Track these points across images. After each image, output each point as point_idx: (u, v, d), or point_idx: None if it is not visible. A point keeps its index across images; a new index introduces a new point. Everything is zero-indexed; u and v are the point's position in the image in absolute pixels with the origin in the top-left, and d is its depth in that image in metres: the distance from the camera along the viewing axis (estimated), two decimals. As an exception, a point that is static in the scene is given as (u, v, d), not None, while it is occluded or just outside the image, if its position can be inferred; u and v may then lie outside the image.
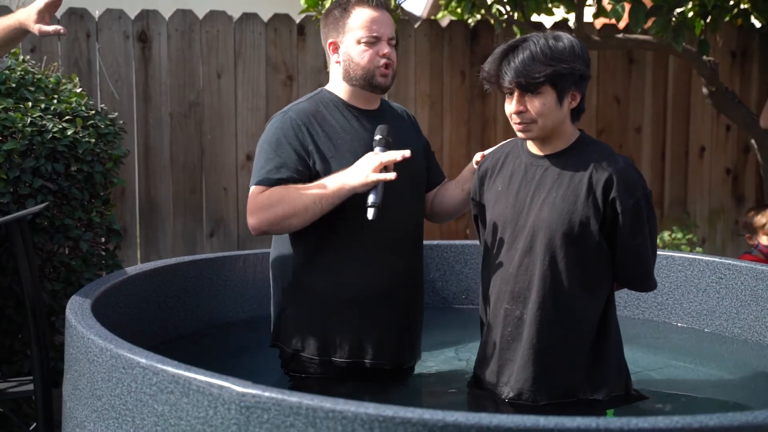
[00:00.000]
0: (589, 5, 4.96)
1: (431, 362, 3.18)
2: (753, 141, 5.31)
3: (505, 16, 4.93)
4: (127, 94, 4.78)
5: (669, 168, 5.83)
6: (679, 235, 5.14)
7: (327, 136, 2.72)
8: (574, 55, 2.42)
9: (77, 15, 4.67)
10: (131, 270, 3.11)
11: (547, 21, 5.54)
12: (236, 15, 5.00)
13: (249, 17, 4.99)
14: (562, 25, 5.39)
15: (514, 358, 2.51)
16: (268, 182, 2.66)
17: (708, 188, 5.92)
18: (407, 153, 2.54)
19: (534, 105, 2.42)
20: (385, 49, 2.71)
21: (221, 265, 3.43)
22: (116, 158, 3.74)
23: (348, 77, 2.76)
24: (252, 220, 2.66)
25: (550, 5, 5.20)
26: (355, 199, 2.59)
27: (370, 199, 2.54)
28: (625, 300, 3.49)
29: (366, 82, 2.73)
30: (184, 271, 3.28)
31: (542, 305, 2.45)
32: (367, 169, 2.54)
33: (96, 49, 4.70)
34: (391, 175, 2.51)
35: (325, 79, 5.07)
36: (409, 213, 2.81)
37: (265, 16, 5.06)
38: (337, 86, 2.81)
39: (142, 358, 2.07)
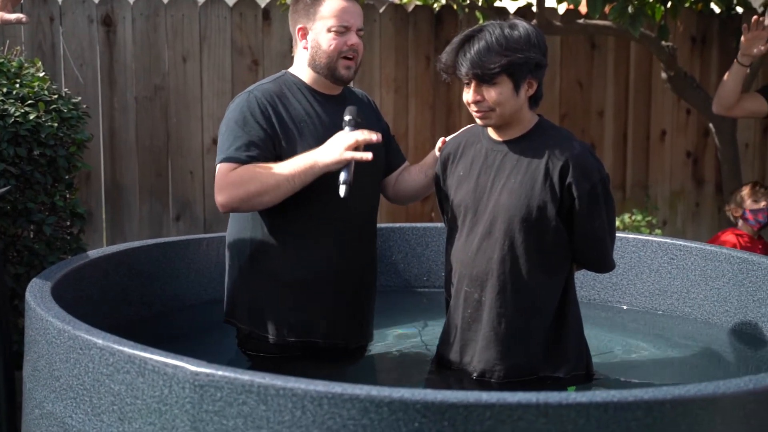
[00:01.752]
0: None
1: (392, 343, 3.24)
2: (711, 125, 5.41)
3: (468, 2, 4.97)
4: (91, 78, 4.79)
5: (631, 151, 5.93)
6: (639, 218, 5.23)
7: (291, 118, 2.75)
8: (530, 44, 2.46)
9: (40, -1, 4.67)
10: (93, 253, 3.14)
11: (511, 6, 5.60)
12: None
13: (214, 2, 5.01)
14: (525, 10, 5.45)
15: (476, 338, 2.57)
16: (238, 160, 2.68)
17: (669, 171, 6.02)
18: (380, 136, 2.59)
19: (491, 94, 2.47)
20: (353, 40, 2.75)
21: (184, 248, 3.46)
22: (79, 142, 3.76)
23: (313, 64, 2.80)
24: (221, 198, 2.68)
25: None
26: (312, 181, 2.64)
27: (342, 176, 2.58)
28: (581, 281, 3.55)
29: (329, 71, 2.77)
30: (146, 254, 3.32)
31: (501, 288, 2.51)
32: (341, 146, 2.58)
33: (60, 33, 4.70)
34: (368, 155, 2.56)
35: (291, 63, 5.10)
36: (366, 197, 2.86)
37: (231, 1, 5.08)
38: (302, 70, 2.84)
39: (99, 339, 2.12)
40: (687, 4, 5.61)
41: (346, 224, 2.79)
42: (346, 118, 2.67)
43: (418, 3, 5.47)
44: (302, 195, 2.67)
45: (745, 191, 4.71)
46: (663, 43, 4.94)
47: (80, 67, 4.74)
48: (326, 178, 2.64)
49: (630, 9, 4.19)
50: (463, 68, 2.47)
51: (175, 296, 3.41)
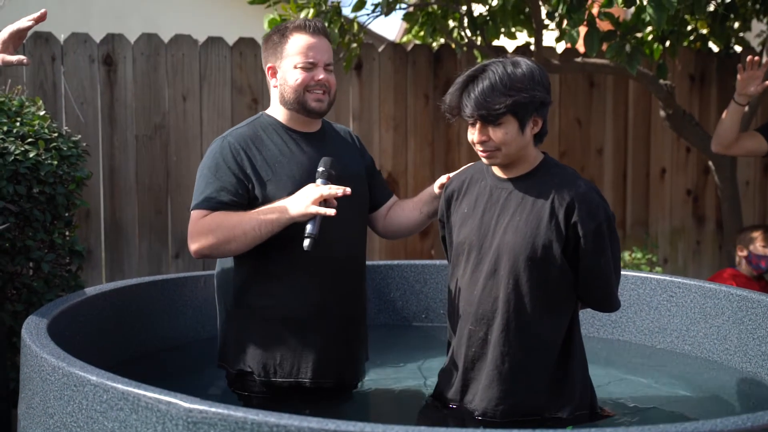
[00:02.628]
0: (552, 29, 5.06)
1: (390, 380, 3.22)
2: (710, 163, 5.42)
3: (466, 41, 5.01)
4: (92, 116, 4.81)
5: (631, 189, 5.93)
6: (639, 255, 5.22)
7: (265, 160, 2.75)
8: (534, 82, 2.44)
9: (42, 38, 4.71)
10: (90, 290, 3.13)
11: (509, 45, 5.64)
12: (202, 39, 5.05)
13: (214, 41, 5.05)
14: (524, 49, 5.48)
15: (479, 377, 2.54)
16: (208, 206, 2.70)
17: (669, 209, 6.02)
18: (348, 190, 2.58)
19: (497, 134, 2.45)
20: (321, 75, 2.76)
21: (182, 286, 3.46)
22: (79, 180, 3.77)
23: (283, 101, 2.81)
24: (192, 245, 2.71)
25: (513, 29, 5.30)
26: (296, 222, 2.63)
27: (308, 229, 2.58)
28: (581, 318, 3.54)
29: (300, 106, 2.78)
30: (143, 292, 3.31)
31: (506, 327, 2.49)
32: (307, 200, 2.58)
33: (61, 73, 4.73)
34: (330, 211, 2.54)
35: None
36: (350, 234, 2.84)
37: (231, 40, 5.12)
38: (276, 110, 2.86)
39: (93, 376, 2.10)
40: (685, 43, 5.66)
41: (328, 263, 2.78)
42: (320, 169, 2.67)
43: (417, 42, 5.52)
44: (284, 235, 2.66)
45: (757, 235, 4.72)
46: (661, 81, 4.97)
47: (81, 105, 4.77)
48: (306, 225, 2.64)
49: (627, 47, 4.21)
50: (468, 109, 2.45)
51: (173, 334, 3.40)
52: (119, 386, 2.05)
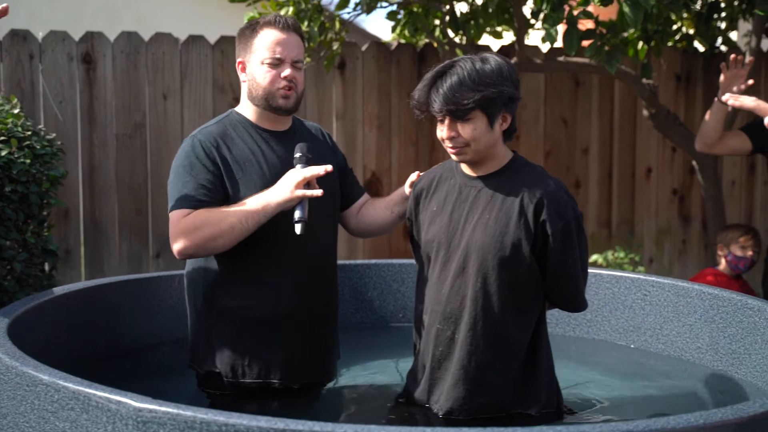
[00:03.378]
0: (538, 29, 5.04)
1: (365, 380, 3.21)
2: (694, 163, 5.40)
3: (447, 40, 4.99)
4: (71, 115, 4.79)
5: (616, 189, 5.91)
6: (622, 255, 5.20)
7: (235, 158, 2.73)
8: (502, 78, 2.44)
9: (20, 36, 4.68)
10: (58, 290, 3.11)
11: (495, 45, 5.62)
12: (183, 37, 5.04)
13: (195, 39, 5.03)
14: (507, 48, 5.47)
15: (445, 377, 2.53)
16: (189, 205, 2.66)
17: (655, 209, 6.00)
18: (329, 167, 2.58)
19: (465, 130, 2.44)
20: (287, 72, 2.74)
21: (154, 285, 3.44)
22: (53, 179, 3.76)
23: (251, 96, 2.79)
24: (176, 246, 2.66)
25: (498, 29, 5.28)
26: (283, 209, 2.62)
27: (297, 214, 2.57)
28: (557, 317, 3.53)
29: (267, 103, 2.76)
30: (114, 291, 3.29)
31: (473, 326, 2.48)
32: (291, 185, 2.57)
33: (39, 71, 4.71)
34: (318, 192, 2.55)
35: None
36: (321, 233, 2.83)
37: (212, 39, 5.10)
38: (246, 107, 2.84)
39: (45, 376, 2.09)
40: (671, 43, 5.64)
41: (299, 263, 2.76)
42: (297, 155, 2.66)
43: (401, 41, 5.50)
44: (254, 234, 2.64)
45: (737, 235, 4.72)
46: (644, 81, 4.95)
47: (60, 104, 4.75)
48: (277, 217, 2.63)
49: (606, 46, 4.19)
50: (436, 105, 2.44)
51: (145, 334, 3.38)
52: (70, 386, 2.03)
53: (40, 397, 2.08)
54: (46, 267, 3.80)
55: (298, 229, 2.56)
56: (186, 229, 2.63)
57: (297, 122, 2.93)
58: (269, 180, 2.69)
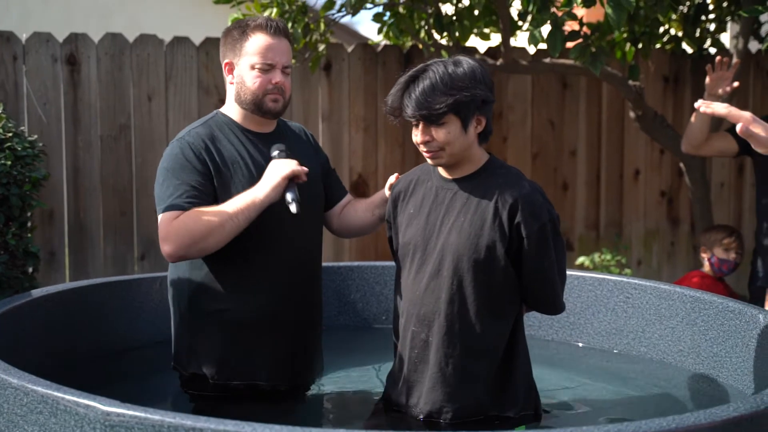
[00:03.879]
0: (525, 30, 5.03)
1: (347, 382, 3.20)
2: (682, 164, 5.40)
3: (432, 42, 4.98)
4: (55, 116, 4.77)
5: (604, 191, 5.91)
6: (608, 257, 5.19)
7: (224, 160, 2.73)
8: (475, 81, 2.43)
9: (3, 38, 4.66)
10: (37, 292, 3.09)
11: (481, 46, 5.61)
12: (168, 39, 5.02)
13: (180, 41, 5.01)
14: (494, 50, 5.46)
15: (422, 380, 2.53)
16: (179, 207, 2.64)
17: (643, 210, 5.99)
18: (305, 170, 2.62)
19: (439, 134, 2.44)
20: (277, 78, 2.73)
21: (136, 287, 3.43)
22: (35, 180, 3.74)
23: (239, 100, 2.78)
24: (168, 247, 2.64)
25: (486, 30, 5.27)
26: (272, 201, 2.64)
27: (289, 196, 2.60)
28: (539, 320, 3.52)
29: (255, 107, 2.76)
30: (93, 293, 3.27)
31: (449, 329, 2.47)
32: (279, 175, 2.59)
33: (23, 72, 4.69)
34: (304, 169, 2.61)
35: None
36: (305, 235, 2.83)
37: (197, 40, 5.08)
38: (231, 108, 2.83)
39: (14, 379, 2.07)
40: (659, 45, 5.63)
41: (284, 265, 2.76)
42: (274, 153, 2.68)
43: (387, 43, 5.48)
44: (238, 237, 2.64)
45: (719, 238, 4.68)
46: (630, 82, 4.94)
47: (44, 106, 4.72)
48: (262, 219, 2.62)
49: (590, 47, 4.19)
50: (409, 110, 2.43)
51: (126, 336, 3.36)
52: (39, 389, 2.01)
53: (9, 400, 2.06)
54: (28, 269, 3.78)
55: (293, 208, 2.59)
56: (177, 230, 2.62)
57: (282, 123, 2.93)
58: (256, 181, 2.69)
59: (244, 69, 2.74)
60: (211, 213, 2.61)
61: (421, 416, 2.52)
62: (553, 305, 2.55)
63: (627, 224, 5.96)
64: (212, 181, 2.69)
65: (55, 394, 1.98)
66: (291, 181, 2.64)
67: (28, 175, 3.69)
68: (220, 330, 2.75)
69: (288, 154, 2.68)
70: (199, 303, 2.76)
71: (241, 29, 2.76)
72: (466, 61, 2.47)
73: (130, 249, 4.95)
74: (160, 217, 2.68)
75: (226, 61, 2.79)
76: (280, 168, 2.62)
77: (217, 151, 2.72)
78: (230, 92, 2.81)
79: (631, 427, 1.79)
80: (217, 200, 2.69)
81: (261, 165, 2.73)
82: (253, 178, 2.70)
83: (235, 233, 2.61)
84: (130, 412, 1.88)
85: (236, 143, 2.76)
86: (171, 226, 2.63)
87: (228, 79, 2.80)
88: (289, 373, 2.82)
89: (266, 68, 2.72)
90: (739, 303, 2.97)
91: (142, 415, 1.87)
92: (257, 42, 2.72)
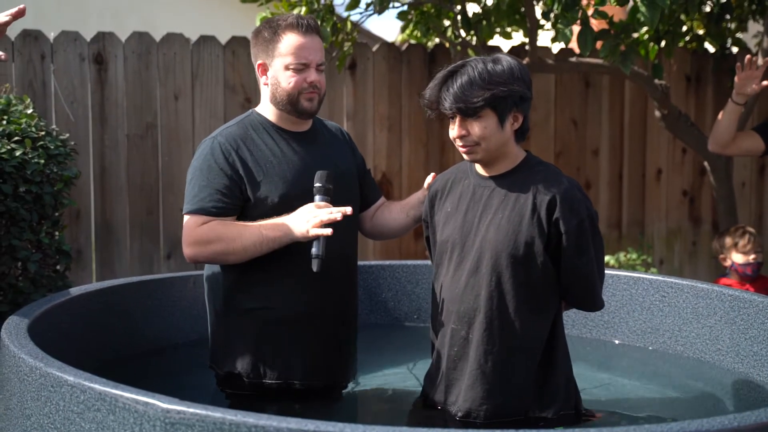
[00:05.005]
0: (547, 30, 5.03)
1: (382, 381, 3.20)
2: (706, 164, 5.39)
3: (460, 40, 4.98)
4: (82, 115, 4.77)
5: (626, 190, 5.90)
6: (634, 256, 5.19)
7: (256, 160, 2.72)
8: (513, 77, 2.44)
9: (32, 36, 4.67)
10: (75, 291, 3.10)
11: (505, 45, 5.61)
12: (194, 38, 5.02)
13: (206, 39, 5.01)
14: (518, 49, 5.45)
15: (462, 377, 2.52)
16: (205, 211, 2.66)
17: (665, 210, 5.99)
18: (349, 210, 2.55)
19: (475, 129, 2.44)
20: (313, 77, 2.72)
21: (170, 286, 3.43)
22: (67, 179, 3.74)
23: (275, 101, 2.77)
24: (189, 251, 2.67)
25: (509, 29, 5.27)
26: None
27: (313, 251, 2.57)
28: (573, 319, 3.52)
29: (291, 107, 2.74)
30: (130, 292, 3.28)
31: (488, 325, 2.47)
32: (309, 224, 2.55)
33: (51, 71, 4.69)
34: (328, 231, 2.53)
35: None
36: (341, 234, 2.79)
37: (223, 39, 5.09)
38: (266, 108, 2.82)
39: (70, 377, 2.07)
40: (681, 44, 5.63)
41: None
42: (317, 185, 2.63)
43: (412, 42, 5.48)
44: None
45: (733, 242, 4.51)
46: (656, 81, 4.93)
47: (71, 104, 4.73)
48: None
49: (621, 47, 4.18)
50: (447, 103, 2.44)
51: (161, 335, 3.37)
52: (97, 387, 2.01)
53: (66, 398, 2.06)
54: (59, 267, 3.78)
55: (315, 266, 2.57)
56: (200, 240, 2.65)
57: (318, 122, 2.91)
58: (291, 181, 2.69)
59: (278, 70, 2.73)
60: (236, 233, 2.62)
61: (461, 414, 2.51)
62: (592, 302, 2.55)
63: (649, 224, 5.96)
64: (240, 185, 2.69)
65: (114, 391, 1.98)
66: (320, 233, 2.57)
67: (60, 173, 3.69)
68: (255, 328, 2.75)
69: (328, 188, 2.62)
70: (234, 301, 2.76)
71: (272, 29, 2.74)
72: (505, 59, 2.48)
73: (156, 248, 4.96)
74: (185, 217, 2.70)
75: (259, 62, 2.78)
76: (311, 217, 2.56)
77: (249, 151, 2.72)
78: (264, 93, 2.81)
79: (693, 426, 1.78)
80: (248, 201, 2.69)
81: (296, 164, 2.73)
82: (287, 177, 2.70)
83: (255, 257, 2.64)
84: (191, 410, 1.87)
85: (270, 143, 2.75)
86: (195, 233, 2.65)
87: (262, 80, 2.79)
88: (324, 372, 2.82)
89: (300, 68, 2.71)
90: (780, 302, 2.97)
91: (203, 412, 1.86)
92: (290, 42, 2.71)
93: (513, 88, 2.43)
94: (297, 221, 2.58)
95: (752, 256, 4.48)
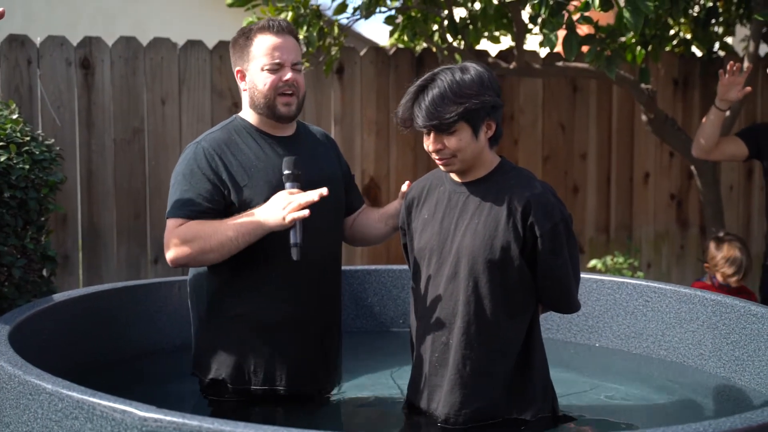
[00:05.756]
0: (535, 34, 5.04)
1: (366, 387, 3.20)
2: (693, 167, 5.41)
3: (446, 45, 4.98)
4: (69, 120, 4.77)
5: (614, 194, 5.92)
6: (621, 260, 5.20)
7: (240, 164, 2.72)
8: (483, 87, 2.46)
9: (18, 41, 4.66)
10: (58, 296, 3.10)
11: (492, 49, 5.62)
12: (179, 42, 5.02)
13: (194, 44, 5.01)
14: (506, 53, 5.47)
15: (442, 383, 2.54)
16: (184, 214, 2.67)
17: (653, 213, 6.00)
18: (324, 191, 2.54)
19: (451, 142, 2.47)
20: (288, 75, 2.73)
21: (155, 291, 3.43)
22: (52, 184, 3.74)
23: (254, 105, 2.78)
24: (169, 254, 2.67)
25: (496, 33, 5.28)
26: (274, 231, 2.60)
27: (291, 239, 2.56)
28: (558, 323, 3.53)
29: (269, 110, 2.75)
30: (113, 298, 3.27)
31: (467, 330, 2.49)
32: (283, 210, 2.54)
33: (37, 76, 4.69)
34: (305, 213, 2.51)
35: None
36: (326, 239, 2.83)
37: (210, 44, 5.09)
38: (248, 113, 2.83)
39: (49, 384, 2.07)
40: (668, 48, 5.64)
41: (305, 269, 2.74)
42: (285, 172, 2.63)
43: (400, 46, 5.49)
44: (256, 243, 2.63)
45: (722, 266, 4.31)
46: (642, 85, 4.95)
47: (58, 109, 4.73)
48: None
49: (606, 51, 4.19)
50: (420, 120, 2.46)
51: (145, 341, 3.36)
52: (74, 395, 2.01)
53: (44, 406, 2.06)
54: (45, 273, 3.78)
55: (294, 254, 2.56)
56: (179, 240, 2.64)
57: (302, 126, 2.92)
58: (276, 185, 2.69)
59: (255, 73, 2.74)
60: (213, 229, 2.61)
61: (441, 419, 2.53)
62: (567, 304, 2.58)
63: (637, 227, 5.97)
64: (223, 189, 2.69)
65: (91, 399, 1.98)
66: (296, 216, 2.55)
67: (45, 178, 3.69)
68: (239, 334, 2.75)
69: (297, 174, 2.62)
70: (219, 307, 2.76)
71: (245, 36, 2.77)
72: (473, 68, 2.50)
73: (143, 252, 4.96)
74: (167, 220, 2.71)
75: (237, 69, 2.80)
76: (284, 202, 2.54)
77: (233, 156, 2.72)
78: (245, 99, 2.82)
79: (669, 432, 1.79)
80: (230, 205, 2.69)
81: (280, 168, 2.72)
82: (272, 182, 2.70)
83: (234, 252, 2.63)
84: (168, 418, 1.88)
85: (254, 147, 2.76)
86: (173, 234, 2.65)
87: (241, 86, 2.81)
88: (309, 378, 2.82)
89: (275, 67, 2.72)
90: (761, 307, 2.98)
91: (180, 420, 1.87)
92: (262, 43, 2.73)
93: (484, 99, 2.45)
94: (271, 211, 2.57)
95: (733, 279, 4.31)
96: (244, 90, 2.80)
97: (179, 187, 2.70)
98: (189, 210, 2.66)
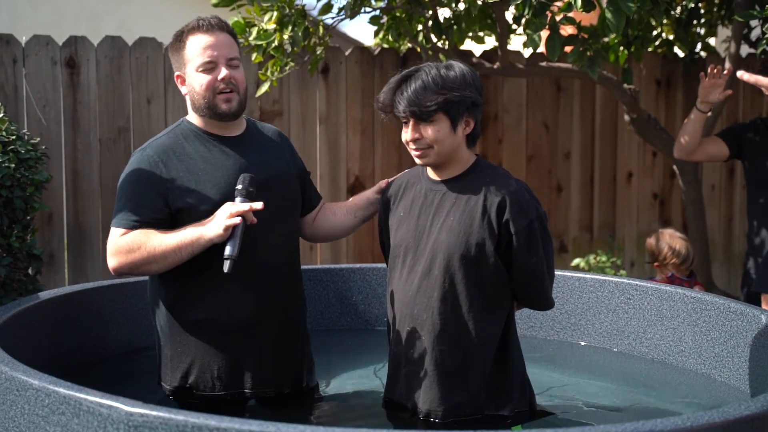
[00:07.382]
0: (519, 34, 5.07)
1: (349, 384, 3.22)
2: (675, 167, 5.45)
3: (430, 45, 5.01)
4: (54, 119, 4.77)
5: (598, 193, 5.96)
6: (604, 258, 5.24)
7: (187, 169, 2.68)
8: (466, 83, 2.51)
9: (3, 40, 4.66)
10: (44, 294, 3.11)
11: (477, 49, 5.65)
12: (165, 41, 5.03)
13: (179, 44, 5.02)
14: (490, 53, 5.50)
15: (420, 379, 2.56)
16: (128, 225, 2.63)
17: (636, 213, 6.05)
18: (258, 205, 2.52)
19: (428, 132, 2.50)
20: (223, 72, 2.68)
21: (141, 289, 3.43)
22: (38, 183, 3.75)
23: (195, 108, 2.73)
24: (111, 263, 2.65)
25: (481, 33, 5.31)
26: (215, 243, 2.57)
27: (227, 251, 2.52)
28: (540, 321, 3.57)
29: (211, 111, 2.70)
30: (99, 296, 3.29)
31: (443, 327, 2.52)
32: (222, 222, 2.52)
33: (23, 75, 4.69)
34: (238, 220, 2.50)
35: (255, 103, 5.12)
36: (281, 237, 2.79)
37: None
38: (193, 116, 2.77)
39: (35, 380, 2.09)
40: (651, 48, 5.69)
41: (261, 269, 2.72)
42: (238, 187, 2.59)
43: (384, 46, 5.52)
44: (210, 248, 2.59)
45: (671, 260, 4.39)
46: (625, 86, 4.99)
47: (43, 108, 4.73)
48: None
49: (589, 52, 4.23)
50: (401, 106, 2.50)
51: (131, 339, 3.38)
52: (61, 390, 2.03)
53: (31, 401, 2.08)
54: (30, 271, 3.79)
55: (225, 267, 2.52)
56: (121, 250, 2.61)
57: (252, 125, 2.87)
58: (224, 187, 2.66)
59: (191, 75, 2.69)
60: (155, 241, 2.58)
61: (422, 415, 2.55)
62: (542, 301, 2.62)
63: (620, 226, 6.02)
64: (166, 197, 2.64)
65: (77, 395, 2.00)
66: (236, 228, 2.53)
67: (30, 177, 3.70)
68: (200, 340, 2.71)
69: (249, 191, 2.59)
70: (176, 314, 2.72)
71: (178, 38, 2.73)
72: (457, 65, 2.55)
73: (128, 251, 4.95)
74: (111, 228, 2.67)
75: (177, 74, 2.75)
76: (224, 214, 2.53)
77: (179, 161, 2.68)
78: (188, 103, 2.77)
79: (647, 426, 1.83)
80: (175, 214, 2.65)
81: (229, 170, 2.69)
82: (221, 184, 2.66)
83: (178, 263, 2.60)
84: (154, 413, 1.90)
85: (202, 150, 2.71)
86: (117, 243, 2.62)
87: (182, 91, 2.76)
88: (274, 379, 2.78)
89: (210, 66, 2.67)
90: (741, 304, 3.02)
91: (166, 415, 1.88)
92: (195, 44, 2.68)
93: (465, 94, 2.50)
94: (212, 222, 2.55)
95: (684, 266, 4.36)
96: (186, 94, 2.74)
97: (124, 195, 2.66)
98: (132, 220, 2.62)
